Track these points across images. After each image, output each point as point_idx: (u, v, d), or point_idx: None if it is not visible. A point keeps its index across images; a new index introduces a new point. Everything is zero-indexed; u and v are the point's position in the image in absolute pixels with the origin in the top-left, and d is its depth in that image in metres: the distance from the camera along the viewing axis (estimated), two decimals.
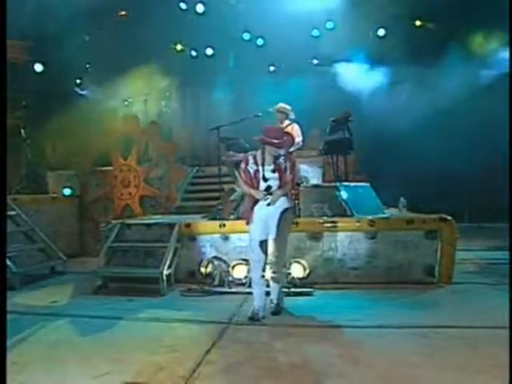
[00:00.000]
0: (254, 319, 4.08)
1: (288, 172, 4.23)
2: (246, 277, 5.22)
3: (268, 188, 4.16)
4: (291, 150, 5.93)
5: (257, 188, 4.20)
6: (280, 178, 4.19)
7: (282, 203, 4.22)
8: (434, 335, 3.54)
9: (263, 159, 4.20)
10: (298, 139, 6.18)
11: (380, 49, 10.09)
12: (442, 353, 3.20)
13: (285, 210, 4.23)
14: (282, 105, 6.47)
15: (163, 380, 2.89)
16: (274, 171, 4.19)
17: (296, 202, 5.57)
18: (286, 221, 4.22)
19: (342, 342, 3.51)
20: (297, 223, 5.28)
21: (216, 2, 10.09)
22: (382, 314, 4.15)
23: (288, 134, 4.53)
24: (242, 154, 6.94)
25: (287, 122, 6.40)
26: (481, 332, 3.59)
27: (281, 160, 4.23)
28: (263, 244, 4.21)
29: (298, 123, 6.50)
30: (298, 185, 5.86)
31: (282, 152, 4.22)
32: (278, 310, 4.26)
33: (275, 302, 4.29)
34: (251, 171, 4.22)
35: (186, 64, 11.17)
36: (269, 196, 4.15)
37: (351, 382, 2.82)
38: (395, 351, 3.26)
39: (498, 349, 3.00)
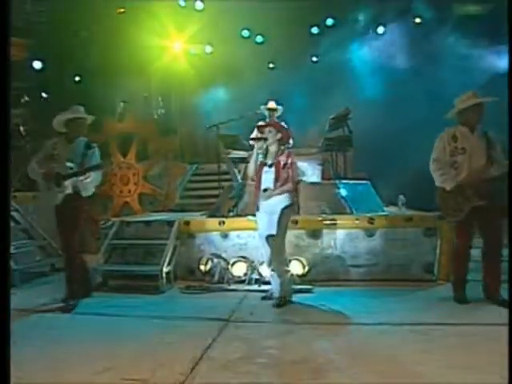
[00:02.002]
0: (265, 298, 4.62)
1: (287, 169, 4.37)
2: (245, 274, 5.25)
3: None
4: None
5: (259, 181, 4.47)
6: (277, 172, 4.35)
7: (283, 200, 4.34)
8: (433, 332, 3.54)
9: (266, 155, 4.52)
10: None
11: (379, 46, 10.06)
12: (442, 350, 3.20)
13: (285, 207, 4.34)
14: (271, 103, 6.49)
15: (163, 377, 2.89)
16: (271, 166, 4.41)
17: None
18: (283, 217, 4.34)
19: (342, 339, 3.52)
20: (296, 221, 5.29)
21: None
22: (382, 311, 4.16)
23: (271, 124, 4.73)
24: (241, 151, 6.97)
25: (276, 120, 6.42)
26: (480, 329, 3.60)
27: (282, 157, 4.41)
28: (269, 238, 4.40)
29: (285, 122, 6.51)
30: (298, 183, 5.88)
31: (282, 146, 4.47)
32: (280, 303, 4.35)
33: (279, 295, 4.39)
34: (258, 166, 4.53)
35: (185, 61, 11.13)
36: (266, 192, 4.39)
37: (350, 379, 2.82)
38: (394, 348, 3.26)
39: (497, 346, 3.00)
